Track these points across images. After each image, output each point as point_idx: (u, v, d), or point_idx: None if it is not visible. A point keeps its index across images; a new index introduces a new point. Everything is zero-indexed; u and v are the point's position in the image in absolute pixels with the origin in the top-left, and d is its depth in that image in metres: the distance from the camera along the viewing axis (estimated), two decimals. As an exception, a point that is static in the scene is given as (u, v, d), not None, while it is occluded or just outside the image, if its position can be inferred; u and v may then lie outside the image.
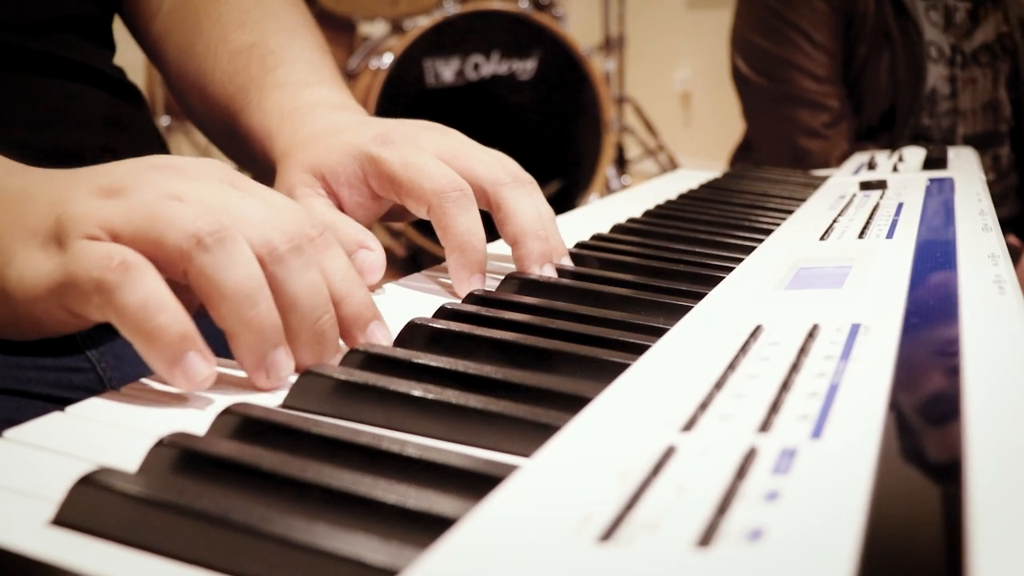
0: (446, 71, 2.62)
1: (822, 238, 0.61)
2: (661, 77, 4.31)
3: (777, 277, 0.51)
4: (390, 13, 2.71)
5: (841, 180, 0.91)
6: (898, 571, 0.22)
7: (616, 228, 0.73)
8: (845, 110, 1.71)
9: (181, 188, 0.41)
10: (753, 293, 0.48)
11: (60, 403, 0.42)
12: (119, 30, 0.79)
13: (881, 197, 0.76)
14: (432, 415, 0.37)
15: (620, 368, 0.39)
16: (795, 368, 0.35)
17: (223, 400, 0.39)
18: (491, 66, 2.70)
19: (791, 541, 0.23)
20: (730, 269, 0.56)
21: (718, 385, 0.34)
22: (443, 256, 0.56)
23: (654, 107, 3.78)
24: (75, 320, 0.40)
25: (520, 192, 0.58)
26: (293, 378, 0.40)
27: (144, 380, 0.41)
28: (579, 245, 0.66)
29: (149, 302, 0.37)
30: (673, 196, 0.90)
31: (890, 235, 0.59)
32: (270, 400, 0.40)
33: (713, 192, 0.94)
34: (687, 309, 0.47)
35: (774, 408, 0.31)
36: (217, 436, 0.35)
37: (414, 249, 2.59)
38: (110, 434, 0.36)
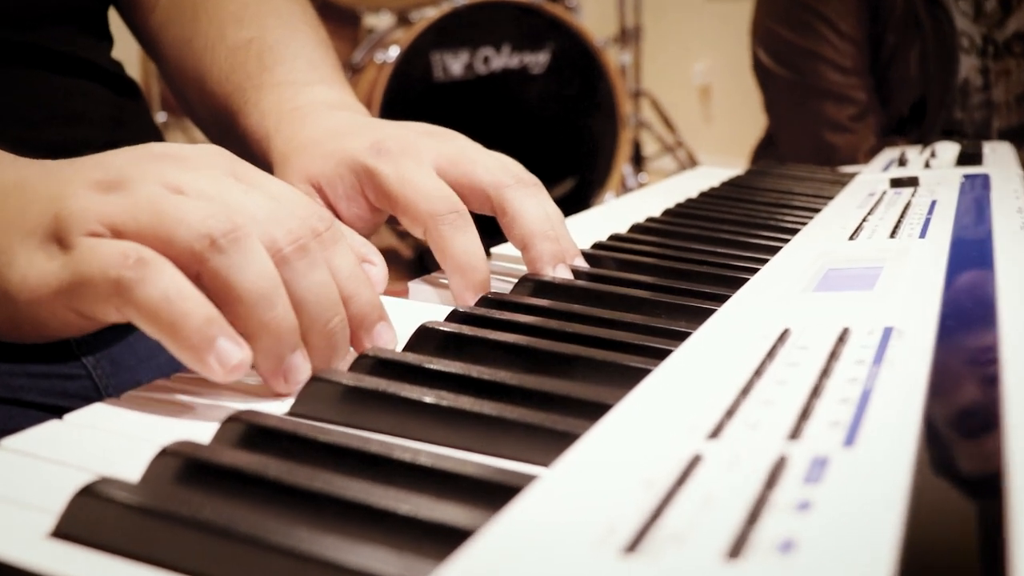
0: (455, 64, 2.62)
1: (851, 238, 0.61)
2: (679, 70, 4.31)
3: (804, 279, 0.51)
4: (396, 4, 2.71)
5: (870, 177, 0.91)
6: (937, 585, 0.22)
7: (635, 228, 0.73)
8: (872, 103, 1.71)
9: (182, 180, 0.41)
10: (779, 295, 0.48)
11: (54, 412, 0.42)
12: (113, 22, 0.79)
13: (913, 195, 0.76)
14: (445, 423, 0.37)
15: (641, 374, 0.39)
16: (825, 373, 0.35)
17: (228, 407, 0.39)
18: (502, 59, 2.70)
19: (825, 553, 0.23)
20: (754, 270, 0.56)
21: (745, 391, 0.34)
22: None
23: (672, 101, 3.78)
24: (83, 322, 0.40)
25: (525, 193, 0.58)
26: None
27: (145, 386, 0.41)
28: (596, 245, 0.66)
29: (170, 292, 0.37)
30: (694, 194, 0.90)
31: (923, 234, 0.59)
32: (277, 407, 0.40)
33: (735, 190, 0.94)
34: (710, 312, 0.47)
35: (804, 415, 0.31)
36: (222, 445, 0.35)
37: (421, 250, 2.59)
38: (111, 443, 0.36)
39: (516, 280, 0.57)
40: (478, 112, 2.63)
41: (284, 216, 0.42)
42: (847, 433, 0.29)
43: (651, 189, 0.99)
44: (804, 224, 0.71)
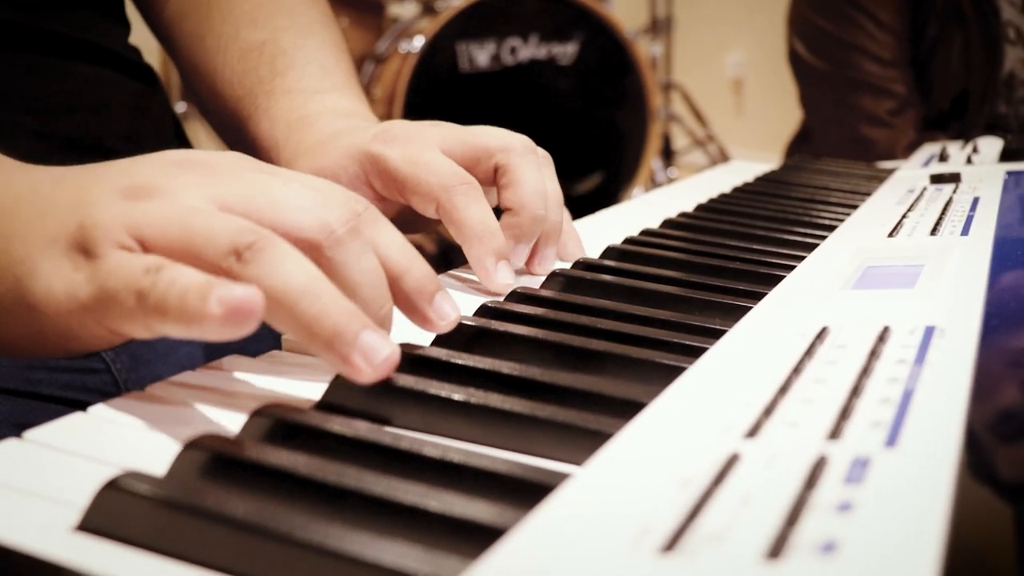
0: (481, 55, 2.62)
1: (891, 235, 0.61)
2: (711, 62, 4.29)
3: (843, 276, 0.50)
4: (421, -7, 2.71)
5: (910, 173, 0.91)
6: (983, 589, 0.22)
7: (666, 223, 0.73)
8: (912, 96, 1.70)
9: (217, 189, 0.41)
10: (817, 293, 0.48)
11: (73, 406, 0.42)
12: (130, 8, 0.80)
13: (954, 191, 0.75)
14: (475, 419, 0.37)
15: (675, 371, 0.39)
16: (865, 372, 0.35)
17: (255, 400, 0.39)
18: (529, 50, 2.70)
19: (867, 555, 0.23)
20: (791, 267, 0.56)
21: (783, 390, 0.34)
22: None
23: (703, 94, 3.77)
24: (113, 337, 0.40)
25: (530, 161, 0.58)
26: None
27: (170, 379, 0.42)
28: (627, 240, 0.66)
29: (190, 290, 0.36)
30: (727, 189, 0.90)
31: (965, 232, 0.59)
32: (305, 400, 0.40)
33: (770, 185, 0.94)
34: (746, 309, 0.47)
35: (844, 414, 0.31)
36: (249, 439, 0.35)
37: (444, 246, 2.60)
38: (136, 436, 0.36)
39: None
40: (504, 104, 2.63)
41: (330, 201, 0.42)
42: (888, 434, 0.29)
43: (683, 184, 0.99)
44: (841, 221, 0.70)
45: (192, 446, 0.33)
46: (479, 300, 0.51)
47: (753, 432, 0.30)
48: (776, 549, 0.23)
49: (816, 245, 0.61)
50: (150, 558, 0.28)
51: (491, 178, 0.59)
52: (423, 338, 0.46)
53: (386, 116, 2.42)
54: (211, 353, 0.68)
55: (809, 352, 0.38)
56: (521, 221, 0.57)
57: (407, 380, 0.39)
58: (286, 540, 0.27)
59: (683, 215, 0.76)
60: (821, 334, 0.40)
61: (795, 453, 0.28)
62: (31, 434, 0.36)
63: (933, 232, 0.60)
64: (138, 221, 0.38)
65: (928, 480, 0.26)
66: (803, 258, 0.58)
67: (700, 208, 0.80)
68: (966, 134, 1.53)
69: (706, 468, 0.28)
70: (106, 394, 0.64)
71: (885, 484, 0.26)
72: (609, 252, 0.63)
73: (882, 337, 0.39)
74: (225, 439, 0.34)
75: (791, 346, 0.39)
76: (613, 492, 0.27)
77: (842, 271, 0.52)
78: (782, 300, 0.47)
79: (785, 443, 0.29)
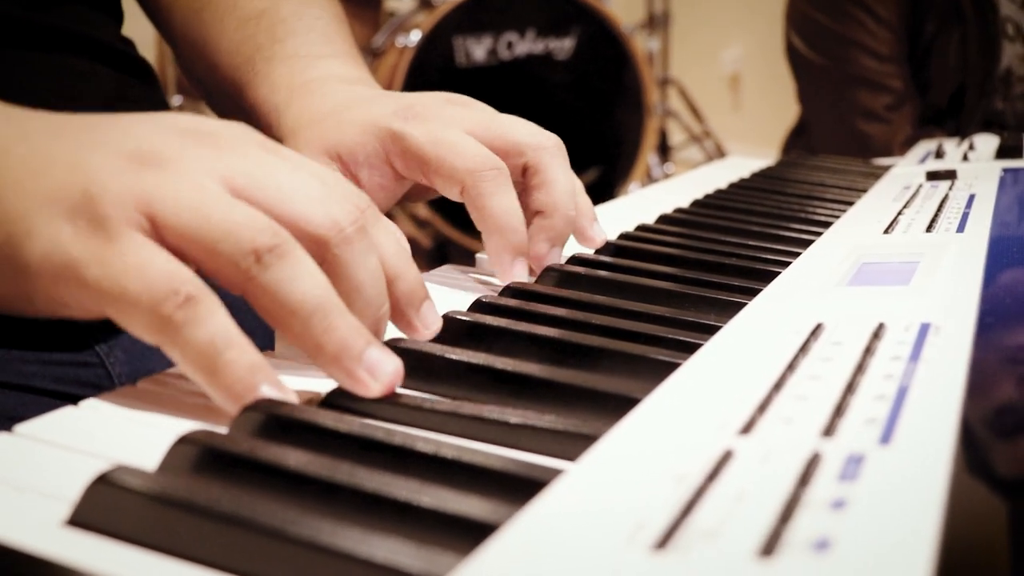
0: (477, 50, 2.62)
1: (886, 231, 0.61)
2: (708, 57, 4.29)
3: (838, 273, 0.50)
4: (418, -13, 2.71)
5: (906, 169, 0.90)
6: (976, 587, 0.22)
7: (662, 219, 0.73)
8: (909, 92, 1.70)
9: (224, 164, 0.40)
10: (812, 289, 0.47)
11: (66, 399, 0.42)
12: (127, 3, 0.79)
13: (950, 188, 0.75)
14: (468, 415, 0.37)
15: (669, 367, 0.39)
16: (860, 369, 0.35)
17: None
18: (526, 45, 2.70)
19: (861, 553, 0.22)
20: (786, 264, 0.56)
21: (777, 386, 0.34)
22: (474, 248, 0.56)
23: (700, 90, 3.76)
24: (105, 316, 0.38)
25: (561, 162, 0.58)
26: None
27: (162, 373, 0.42)
28: (623, 236, 0.66)
29: (217, 340, 0.36)
30: (723, 185, 0.90)
31: (961, 229, 0.59)
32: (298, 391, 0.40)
33: (767, 181, 0.94)
34: (740, 305, 0.47)
35: (838, 411, 0.31)
36: (241, 433, 0.35)
37: (441, 240, 2.59)
38: (127, 430, 0.36)
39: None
40: (501, 99, 2.60)
41: (335, 195, 0.41)
42: (883, 430, 0.29)
43: (679, 179, 0.99)
44: (837, 217, 0.70)
45: (184, 440, 0.33)
46: (473, 295, 0.51)
47: (747, 429, 0.30)
48: (769, 546, 0.23)
49: (812, 241, 0.61)
50: (140, 553, 0.28)
51: (517, 175, 0.58)
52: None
53: (382, 110, 2.41)
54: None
55: (804, 349, 0.38)
56: (555, 223, 0.57)
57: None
58: (278, 535, 0.27)
59: (679, 211, 0.76)
60: (816, 331, 0.40)
61: (789, 450, 0.28)
62: (22, 428, 0.35)
63: (929, 229, 0.60)
64: (150, 195, 0.37)
65: (923, 477, 0.26)
66: (798, 254, 0.58)
67: (696, 204, 0.80)
68: (963, 130, 1.53)
69: (700, 464, 0.28)
70: (99, 388, 0.63)
71: (879, 481, 0.26)
72: (605, 247, 0.62)
73: (877, 334, 0.39)
74: (216, 433, 0.34)
75: (786, 342, 0.39)
76: (607, 488, 0.27)
77: (837, 268, 0.52)
78: (777, 296, 0.47)
79: (779, 440, 0.29)
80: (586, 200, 0.61)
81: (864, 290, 0.46)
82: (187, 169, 0.39)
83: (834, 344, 0.38)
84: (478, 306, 0.49)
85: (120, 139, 0.40)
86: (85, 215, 0.37)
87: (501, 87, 2.65)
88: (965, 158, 0.93)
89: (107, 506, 0.29)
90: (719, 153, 3.54)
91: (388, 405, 0.38)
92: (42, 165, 0.39)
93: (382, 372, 0.38)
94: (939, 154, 0.97)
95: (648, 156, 2.93)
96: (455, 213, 2.40)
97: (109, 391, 0.39)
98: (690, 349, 0.41)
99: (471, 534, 0.27)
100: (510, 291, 0.53)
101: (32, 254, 0.37)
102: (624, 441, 0.31)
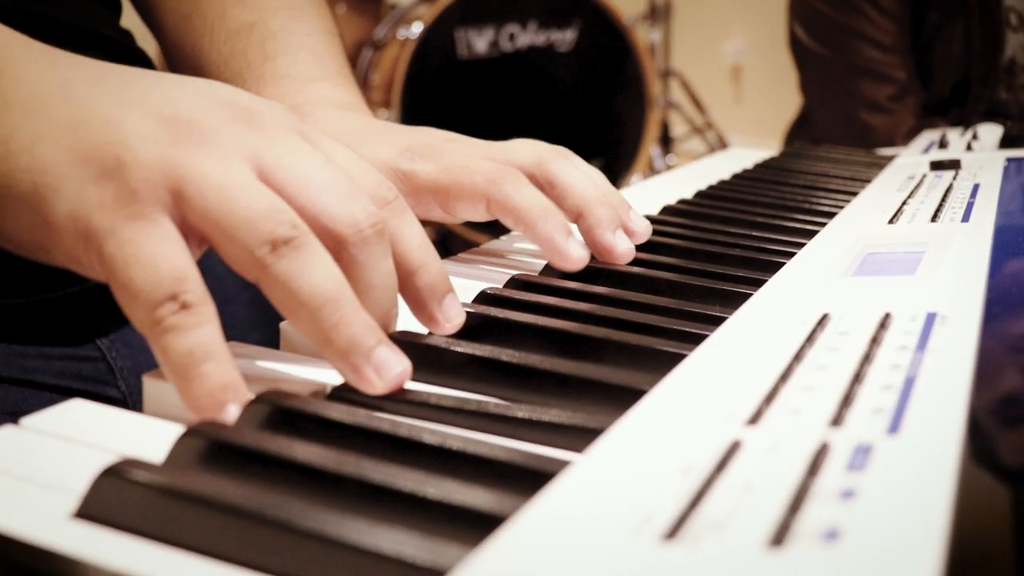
0: (479, 41, 2.61)
1: (891, 221, 0.60)
2: (710, 49, 4.28)
3: (843, 263, 0.50)
4: (419, -21, 2.70)
5: (909, 159, 0.90)
6: (986, 577, 0.22)
7: (666, 210, 0.73)
8: (912, 82, 1.69)
9: (259, 145, 0.40)
10: (817, 280, 0.47)
11: (68, 394, 0.42)
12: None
13: (954, 178, 0.75)
14: (474, 407, 0.37)
15: (675, 358, 0.39)
16: (867, 359, 0.35)
17: (253, 387, 0.39)
18: (528, 36, 2.69)
19: (871, 542, 0.22)
20: (791, 254, 0.56)
21: (784, 377, 0.34)
22: (476, 240, 0.56)
23: (702, 81, 3.75)
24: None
25: (568, 164, 0.58)
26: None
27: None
28: (627, 227, 0.66)
29: (196, 351, 0.36)
30: (726, 176, 0.90)
31: (965, 218, 0.59)
32: (303, 388, 0.40)
33: (770, 172, 0.93)
34: (746, 296, 0.47)
35: (846, 401, 0.31)
36: (247, 425, 0.35)
37: (443, 233, 2.59)
38: (134, 423, 0.36)
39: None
40: (502, 91, 2.63)
41: (360, 192, 0.41)
42: (891, 420, 0.29)
43: (683, 170, 0.99)
44: (841, 207, 0.70)
45: (190, 433, 0.33)
46: (479, 286, 0.51)
47: (754, 419, 0.30)
48: (779, 537, 0.23)
49: (816, 232, 0.61)
50: (148, 545, 0.28)
51: None
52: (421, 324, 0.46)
53: (384, 103, 2.41)
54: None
55: (810, 339, 0.38)
56: (598, 212, 0.57)
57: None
58: (284, 527, 0.27)
59: (682, 202, 0.76)
60: (822, 321, 0.40)
61: (797, 440, 0.28)
62: (28, 421, 0.35)
63: (933, 219, 0.60)
64: (180, 171, 0.38)
65: (931, 466, 0.26)
66: (803, 245, 0.58)
67: (699, 195, 0.80)
68: (966, 121, 1.53)
69: (708, 455, 0.28)
70: (101, 382, 0.64)
71: (888, 471, 0.26)
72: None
73: (883, 324, 0.39)
74: (224, 426, 0.34)
75: (792, 333, 0.39)
76: (614, 480, 0.27)
77: (842, 258, 0.51)
78: (782, 287, 0.47)
79: (787, 430, 0.29)
80: (616, 193, 0.61)
81: (870, 280, 0.46)
82: (221, 144, 0.39)
83: (841, 334, 0.38)
84: (483, 298, 0.49)
85: (159, 101, 0.40)
86: (114, 182, 0.37)
87: (503, 79, 2.65)
88: (969, 148, 0.93)
89: (114, 499, 0.29)
90: (721, 145, 3.54)
91: (394, 399, 0.38)
92: (77, 119, 0.39)
93: (389, 372, 0.38)
94: (943, 144, 0.97)
95: (650, 148, 2.92)
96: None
97: (111, 385, 0.39)
98: (696, 340, 0.41)
99: (477, 526, 0.27)
100: (515, 283, 0.53)
101: (55, 212, 0.38)
102: (631, 432, 0.31)
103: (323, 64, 0.70)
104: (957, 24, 1.66)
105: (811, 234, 0.61)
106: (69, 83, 0.41)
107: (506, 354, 0.41)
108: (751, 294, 0.47)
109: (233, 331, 0.44)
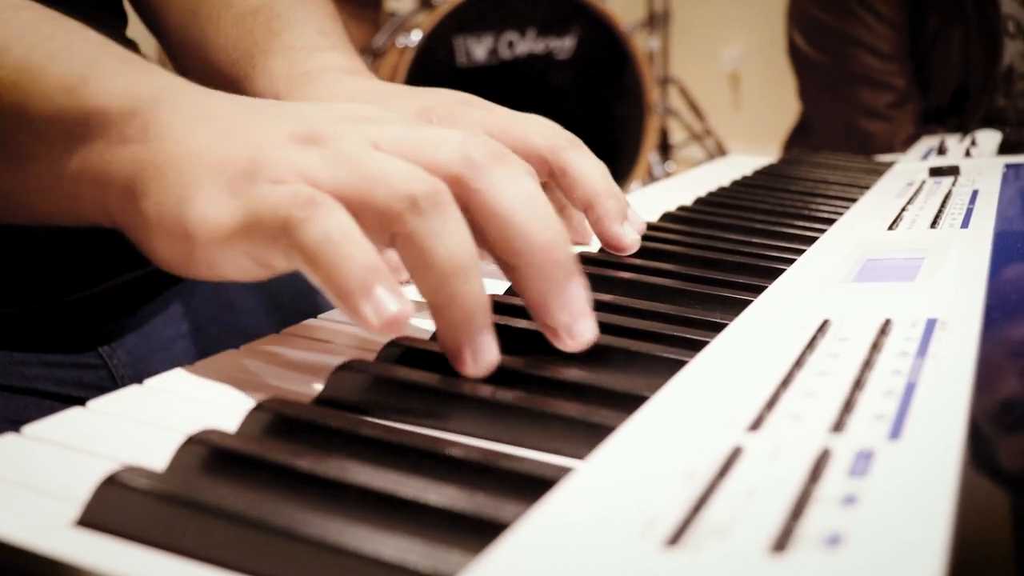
0: (478, 49, 2.62)
1: (890, 228, 0.61)
2: (708, 56, 4.29)
3: (843, 269, 0.50)
4: (418, -13, 2.71)
5: (908, 166, 0.90)
6: (989, 582, 0.22)
7: (666, 216, 0.73)
8: (911, 90, 1.70)
9: (377, 131, 0.41)
10: (817, 286, 0.47)
11: (69, 402, 0.42)
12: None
13: (953, 184, 0.75)
14: (475, 414, 0.37)
15: (676, 365, 0.39)
16: (868, 365, 0.35)
17: (254, 396, 0.39)
18: (526, 44, 2.69)
19: (873, 548, 0.22)
20: (790, 261, 0.56)
21: (785, 383, 0.34)
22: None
23: (701, 88, 3.76)
24: (257, 269, 0.40)
25: (580, 153, 0.58)
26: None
27: (168, 373, 0.42)
28: (627, 234, 0.66)
29: (333, 233, 0.36)
30: (725, 183, 0.90)
31: (965, 224, 0.59)
32: (305, 395, 0.40)
33: (769, 179, 0.93)
34: (746, 303, 0.47)
35: (847, 407, 0.31)
36: (249, 433, 0.35)
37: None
38: (135, 431, 0.36)
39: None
40: (502, 98, 2.60)
41: (468, 141, 0.42)
42: (892, 426, 0.29)
43: (682, 177, 0.99)
44: (840, 214, 0.70)
45: (192, 441, 0.33)
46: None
47: (756, 425, 0.30)
48: (781, 542, 0.23)
49: (816, 238, 0.61)
50: (150, 553, 0.28)
51: (543, 177, 0.58)
52: (421, 330, 0.46)
53: (383, 111, 2.41)
54: (208, 348, 0.68)
55: (811, 345, 0.38)
56: (607, 204, 0.56)
57: (408, 373, 0.39)
58: (286, 535, 0.27)
59: (682, 209, 0.76)
60: (822, 327, 0.40)
61: (799, 446, 0.28)
62: (30, 429, 0.35)
63: (933, 225, 0.60)
64: (306, 165, 0.39)
65: (932, 472, 0.26)
66: (803, 251, 0.58)
67: (699, 202, 0.80)
68: (965, 128, 1.53)
69: (710, 461, 0.28)
70: (102, 390, 0.63)
71: (889, 476, 0.26)
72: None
73: (884, 330, 0.39)
74: (225, 434, 0.34)
75: (792, 339, 0.39)
76: (616, 486, 0.27)
77: (842, 264, 0.51)
78: (783, 293, 0.47)
79: (788, 436, 0.29)
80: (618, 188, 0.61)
81: (870, 286, 0.46)
82: (342, 137, 0.40)
83: (841, 340, 0.38)
84: (483, 305, 0.49)
85: (288, 120, 0.41)
86: (242, 181, 0.39)
87: (502, 87, 2.65)
88: (967, 154, 0.93)
89: (116, 507, 0.29)
90: (720, 151, 3.54)
91: (393, 405, 0.38)
92: (226, 136, 0.41)
93: (484, 358, 0.39)
94: (941, 150, 0.97)
95: (649, 155, 2.93)
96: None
97: (114, 391, 0.39)
98: (696, 347, 0.41)
99: (482, 533, 0.27)
100: (513, 289, 0.52)
101: (190, 217, 0.39)
102: (633, 438, 0.31)
103: (328, 37, 0.71)
104: (955, 31, 1.66)
105: (811, 240, 0.61)
106: (216, 113, 0.43)
107: (506, 360, 0.41)
108: (751, 300, 0.47)
109: (241, 340, 0.44)
